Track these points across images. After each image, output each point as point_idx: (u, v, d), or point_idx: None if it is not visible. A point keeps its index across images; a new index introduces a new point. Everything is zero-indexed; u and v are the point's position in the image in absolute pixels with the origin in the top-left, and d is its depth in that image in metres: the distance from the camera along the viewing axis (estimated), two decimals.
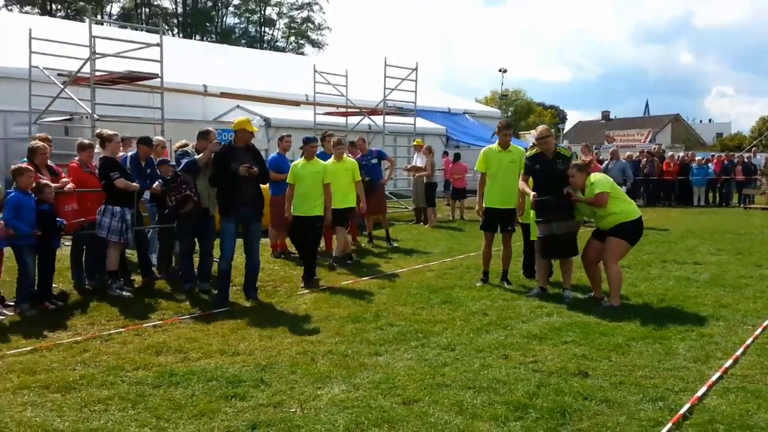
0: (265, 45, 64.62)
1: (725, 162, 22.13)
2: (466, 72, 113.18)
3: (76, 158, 8.17)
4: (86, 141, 8.34)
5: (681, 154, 24.58)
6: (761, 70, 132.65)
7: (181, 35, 58.71)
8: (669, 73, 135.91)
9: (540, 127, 7.75)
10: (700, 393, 4.26)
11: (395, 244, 11.45)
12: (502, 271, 8.09)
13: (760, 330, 5.80)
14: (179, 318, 6.46)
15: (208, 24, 63.77)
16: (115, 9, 60.42)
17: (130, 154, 8.38)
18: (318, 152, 9.44)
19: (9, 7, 50.61)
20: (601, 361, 5.00)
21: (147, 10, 60.49)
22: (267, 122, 21.62)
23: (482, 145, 27.46)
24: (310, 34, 67.72)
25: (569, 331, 5.80)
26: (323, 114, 19.79)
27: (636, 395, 4.27)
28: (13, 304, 6.75)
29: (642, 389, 4.38)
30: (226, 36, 60.68)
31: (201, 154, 7.72)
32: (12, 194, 6.56)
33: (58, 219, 6.99)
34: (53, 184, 7.18)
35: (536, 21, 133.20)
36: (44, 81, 14.63)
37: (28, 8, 52.75)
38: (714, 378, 4.56)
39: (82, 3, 54.82)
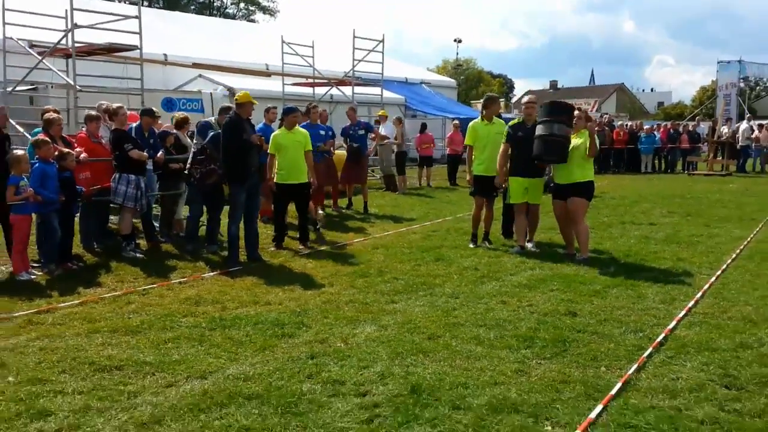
0: (215, 12, 63.43)
1: (671, 131, 23.52)
2: (415, 41, 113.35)
3: (83, 129, 8.55)
4: (93, 113, 8.69)
5: (629, 123, 25.88)
6: (701, 40, 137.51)
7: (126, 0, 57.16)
8: (612, 42, 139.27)
9: (528, 96, 8.56)
10: (671, 326, 5.16)
11: (373, 210, 12.15)
12: (484, 231, 8.89)
13: (714, 278, 6.77)
14: (200, 275, 7.05)
15: None
16: None
17: (134, 125, 8.78)
18: (303, 124, 9.93)
19: None
20: (585, 304, 5.86)
21: None
22: (231, 92, 21.73)
23: (440, 114, 28.27)
24: (261, 1, 66.72)
25: (553, 281, 6.67)
26: (291, 84, 20.14)
27: (619, 329, 5.15)
28: (38, 265, 7.20)
29: (623, 324, 5.26)
30: (174, 3, 59.35)
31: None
32: (36, 165, 6.97)
33: (77, 186, 7.45)
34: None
35: None
36: (18, 51, 14.62)
37: None
38: (680, 315, 5.47)
39: None
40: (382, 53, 19.43)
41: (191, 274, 7.12)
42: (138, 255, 8.01)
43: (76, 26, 12.53)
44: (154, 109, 9.25)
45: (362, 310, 5.67)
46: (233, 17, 61.14)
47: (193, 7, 59.89)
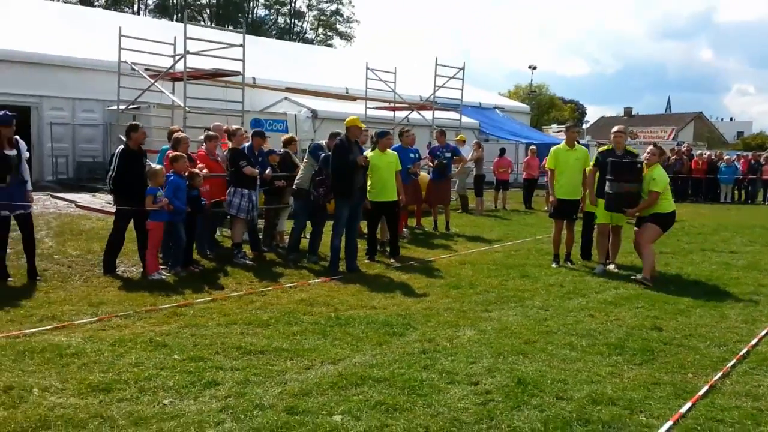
0: (294, 36, 65.90)
1: (752, 161, 23.19)
2: (486, 65, 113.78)
3: (203, 147, 9.51)
4: (212, 132, 9.66)
5: (708, 152, 25.61)
6: None
7: (213, 26, 60.18)
8: (688, 69, 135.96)
9: (617, 126, 9.05)
10: (753, 342, 5.53)
11: (454, 230, 12.72)
12: (566, 252, 9.34)
13: None
14: (307, 282, 7.80)
15: (240, 15, 65.07)
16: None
17: (246, 144, 9.67)
18: (395, 146, 10.67)
19: None
20: (670, 321, 6.27)
21: (182, 1, 61.83)
22: (314, 114, 22.77)
23: (513, 139, 28.68)
24: (338, 26, 68.94)
25: (638, 300, 7.09)
26: (373, 108, 21.02)
27: (703, 343, 5.55)
28: (164, 267, 8.12)
29: (707, 339, 5.66)
30: (257, 27, 62.07)
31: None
32: (172, 177, 7.91)
33: (202, 199, 8.37)
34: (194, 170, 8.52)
35: (554, 14, 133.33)
36: (129, 74, 16.10)
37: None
38: (762, 334, 5.82)
39: None
40: (462, 80, 20.11)
41: (299, 280, 7.87)
42: (248, 262, 8.85)
43: (188, 53, 13.75)
44: (264, 131, 10.17)
45: (461, 317, 6.26)
46: (312, 42, 63.36)
47: (274, 32, 62.43)
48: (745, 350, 5.30)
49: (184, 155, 8.18)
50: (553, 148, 9.60)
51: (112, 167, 8.01)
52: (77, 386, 4.15)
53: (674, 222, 8.38)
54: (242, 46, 13.98)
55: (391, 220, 9.64)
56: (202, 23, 59.46)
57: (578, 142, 9.63)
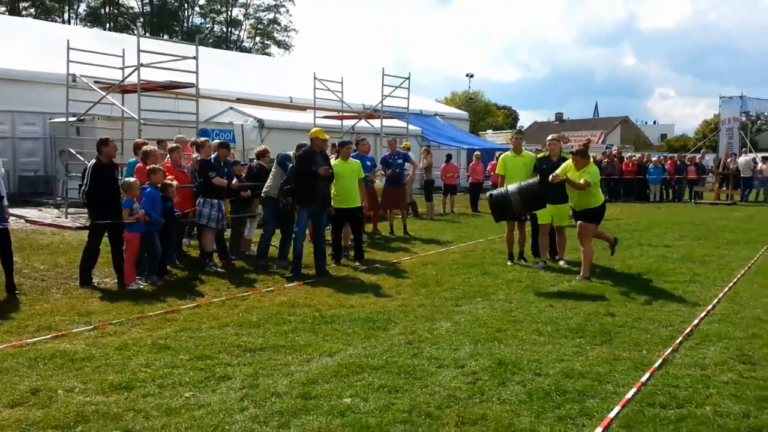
0: (231, 45, 65.43)
1: (678, 162, 24.77)
2: (422, 73, 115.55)
3: (167, 159, 9.72)
4: (174, 144, 9.90)
5: (638, 155, 27.15)
6: (701, 73, 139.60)
7: (148, 34, 59.20)
8: (614, 74, 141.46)
9: (552, 135, 9.81)
10: (695, 322, 6.27)
11: (411, 234, 13.28)
12: (519, 251, 10.01)
13: (727, 288, 7.89)
14: (282, 286, 8.17)
15: (174, 23, 64.23)
16: (81, 8, 60.27)
17: (213, 155, 9.92)
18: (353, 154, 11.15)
19: None
20: (621, 307, 6.95)
21: (114, 9, 60.58)
22: (260, 123, 22.90)
23: (454, 145, 29.54)
24: (276, 35, 68.85)
25: (590, 290, 7.79)
26: (322, 117, 21.40)
27: (652, 325, 6.25)
28: (139, 277, 8.32)
29: (655, 321, 6.36)
30: (192, 36, 61.33)
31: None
32: (149, 189, 8.14)
33: (175, 210, 8.62)
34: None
35: (486, 22, 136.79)
36: (78, 87, 16.02)
37: None
38: (702, 315, 6.57)
39: (50, 2, 54.78)
40: (408, 89, 20.77)
41: (274, 285, 8.23)
42: (219, 269, 9.14)
43: (142, 65, 13.86)
44: (228, 143, 10.46)
45: (435, 311, 6.78)
46: (249, 51, 63.06)
47: (210, 41, 61.83)
48: (689, 329, 6.01)
49: (161, 168, 8.42)
50: (501, 155, 10.30)
51: (84, 181, 8.17)
52: (99, 386, 4.45)
53: (605, 212, 8.90)
54: (195, 58, 14.21)
55: (354, 225, 10.11)
56: (136, 32, 58.46)
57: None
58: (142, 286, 7.97)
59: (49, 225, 13.92)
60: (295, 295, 7.57)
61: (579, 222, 8.77)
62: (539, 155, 9.88)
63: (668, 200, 24.19)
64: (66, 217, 14.85)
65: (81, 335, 5.76)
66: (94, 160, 8.19)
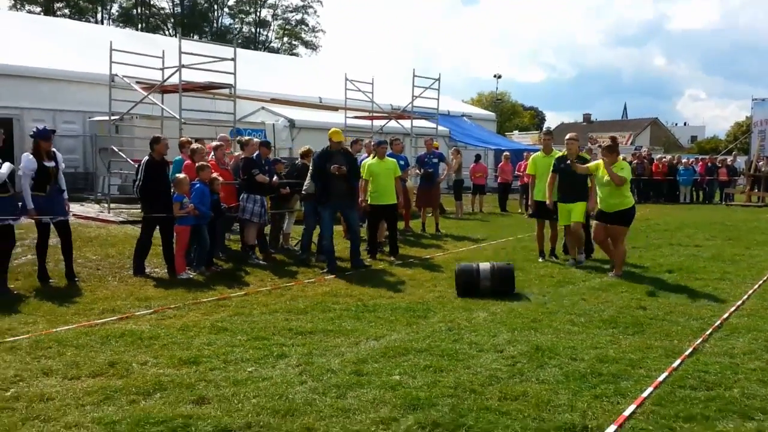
0: (259, 46, 66.31)
1: (709, 164, 24.72)
2: (448, 74, 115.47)
3: (211, 156, 10.15)
4: (217, 142, 10.34)
5: (668, 156, 27.11)
6: (731, 74, 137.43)
7: (178, 35, 60.34)
8: (642, 75, 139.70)
9: (570, 134, 9.98)
10: (725, 315, 6.50)
11: (442, 232, 13.60)
12: (551, 248, 10.25)
13: (757, 286, 8.08)
14: (323, 278, 8.55)
15: (204, 24, 65.28)
16: (114, 8, 61.59)
17: (255, 154, 10.32)
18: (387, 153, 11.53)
19: (17, 7, 51.77)
20: (652, 302, 7.20)
21: (146, 10, 61.79)
22: (291, 123, 23.37)
23: (482, 146, 29.74)
24: (303, 36, 69.58)
25: (620, 286, 8.03)
26: (352, 117, 21.79)
27: (683, 318, 6.49)
28: (188, 268, 8.76)
29: (686, 314, 6.60)
30: (222, 36, 62.34)
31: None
32: (198, 185, 8.58)
33: (222, 204, 9.06)
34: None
35: (511, 23, 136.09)
36: (119, 87, 16.61)
37: (31, 7, 53.97)
38: (732, 310, 6.79)
39: (84, 3, 56.11)
40: (438, 90, 21.06)
41: (315, 277, 8.62)
42: (261, 262, 9.55)
43: (183, 66, 14.36)
44: (269, 141, 10.88)
45: (471, 303, 7.09)
46: (277, 51, 63.84)
47: (239, 42, 62.74)
48: (718, 322, 6.25)
49: (209, 165, 8.86)
50: (532, 156, 10.55)
51: (138, 177, 8.63)
52: (168, 361, 4.86)
53: (635, 214, 8.88)
54: (233, 59, 14.67)
55: (390, 221, 10.47)
56: (168, 33, 59.66)
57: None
58: (191, 276, 8.41)
59: (94, 219, 14.48)
60: (336, 286, 7.94)
61: (611, 226, 8.65)
62: (557, 155, 9.88)
63: (698, 202, 24.16)
64: (108, 212, 15.39)
65: (143, 318, 6.19)
66: (147, 157, 8.64)
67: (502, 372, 4.75)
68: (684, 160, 25.25)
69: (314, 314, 6.44)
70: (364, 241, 10.40)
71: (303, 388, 4.34)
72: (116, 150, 16.24)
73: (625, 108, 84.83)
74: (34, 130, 7.79)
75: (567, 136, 9.94)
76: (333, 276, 8.67)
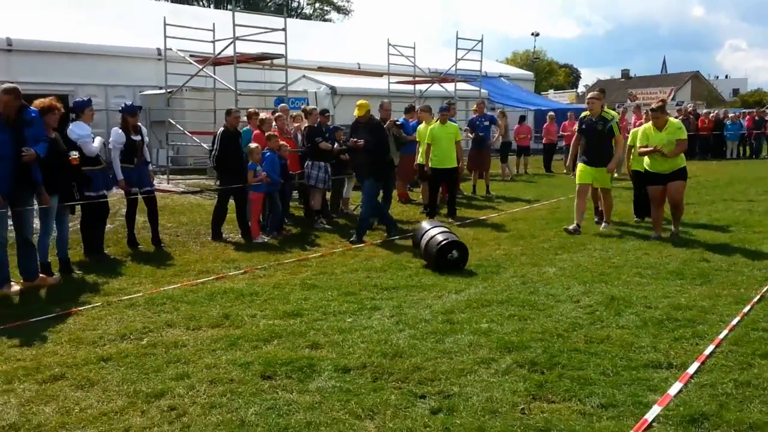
0: (291, 12, 66.20)
1: (756, 118, 24.33)
2: (476, 34, 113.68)
3: (273, 125, 10.56)
4: (279, 113, 10.74)
5: (715, 111, 26.70)
6: None
7: (212, 5, 60.58)
8: (680, 27, 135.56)
9: (591, 93, 9.74)
10: None
11: (493, 194, 13.89)
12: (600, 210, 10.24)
13: None
14: (387, 238, 8.95)
15: None
16: None
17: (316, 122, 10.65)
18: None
19: None
20: (714, 254, 7.44)
21: None
22: (333, 90, 23.58)
23: (521, 106, 29.65)
24: (335, 0, 69.17)
25: (680, 241, 8.27)
26: (395, 82, 21.97)
27: (747, 268, 6.74)
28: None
29: (749, 265, 6.85)
30: (254, 5, 62.40)
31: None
32: (268, 154, 9.02)
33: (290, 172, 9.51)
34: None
35: None
36: (175, 60, 17.08)
37: None
38: None
39: None
40: (481, 52, 21.10)
41: (382, 238, 9.02)
42: (326, 226, 10.01)
43: (237, 39, 14.75)
44: (328, 110, 11.24)
45: (538, 259, 7.44)
46: (309, 17, 63.70)
47: (272, 9, 62.75)
48: None
49: (276, 135, 9.29)
50: (581, 116, 10.52)
51: (214, 147, 9.09)
52: (274, 313, 5.34)
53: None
54: (284, 30, 14.99)
55: (450, 184, 10.81)
56: (202, 3, 60.02)
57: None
58: (266, 240, 8.91)
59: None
60: (404, 247, 8.34)
61: (671, 184, 8.37)
62: (582, 115, 9.37)
63: (746, 157, 23.88)
64: (168, 183, 16.01)
65: (237, 277, 6.70)
66: (221, 128, 9.09)
67: (582, 320, 5.12)
68: (731, 115, 24.87)
69: (392, 272, 6.86)
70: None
71: (403, 335, 4.77)
72: (173, 123, 16.82)
73: (664, 62, 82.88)
74: (123, 105, 8.28)
75: (588, 95, 9.71)
76: (398, 237, 9.06)
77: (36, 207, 6.53)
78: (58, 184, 6.66)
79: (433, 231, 7.28)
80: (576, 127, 9.61)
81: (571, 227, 9.06)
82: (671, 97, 52.13)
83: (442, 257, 6.93)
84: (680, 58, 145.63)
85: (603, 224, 9.26)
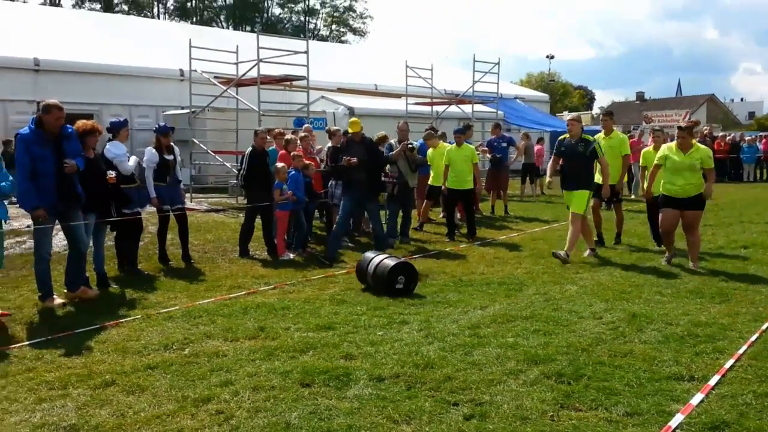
0: (309, 34, 67.25)
1: None
2: (492, 56, 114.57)
3: (299, 146, 10.86)
4: (303, 133, 11.04)
5: (732, 134, 26.81)
6: None
7: (231, 27, 61.71)
8: (695, 50, 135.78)
9: (571, 115, 9.62)
10: None
11: (511, 214, 14.08)
12: (616, 232, 10.14)
13: None
14: (411, 257, 9.16)
15: (256, 15, 66.50)
16: (170, 2, 63.36)
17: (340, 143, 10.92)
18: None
19: (78, 5, 53.85)
20: (734, 273, 7.59)
21: (200, 3, 63.33)
22: (351, 111, 23.94)
23: (537, 128, 29.87)
24: (351, 22, 70.27)
25: (700, 261, 8.41)
26: (413, 104, 22.29)
27: (765, 287, 6.90)
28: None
29: None
30: (272, 27, 63.52)
31: (394, 152, 10.23)
32: (293, 173, 9.30)
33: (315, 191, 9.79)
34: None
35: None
36: (199, 82, 17.52)
37: (92, 5, 56.10)
38: None
39: None
40: (498, 74, 21.41)
41: (404, 256, 9.21)
42: (349, 244, 10.24)
43: (261, 61, 15.15)
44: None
45: (559, 277, 7.62)
46: (326, 39, 64.66)
47: (289, 31, 63.79)
48: None
49: (301, 154, 9.57)
50: (594, 137, 10.57)
51: (242, 166, 9.39)
52: (307, 326, 5.56)
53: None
54: (306, 52, 15.38)
55: (466, 205, 11.04)
56: (220, 25, 61.20)
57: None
58: (292, 257, 9.15)
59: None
60: (426, 265, 8.53)
61: (688, 212, 7.99)
62: (561, 137, 9.09)
63: (763, 180, 23.92)
64: (191, 201, 16.35)
65: (267, 293, 6.94)
66: (250, 148, 9.39)
67: (605, 335, 5.29)
68: (747, 138, 24.96)
69: (417, 288, 7.06)
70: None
71: (432, 347, 4.97)
72: (196, 142, 17.22)
73: (679, 85, 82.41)
74: (156, 126, 8.62)
75: (568, 117, 9.55)
76: (420, 256, 9.27)
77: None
78: (97, 202, 6.95)
79: (379, 258, 7.04)
80: (555, 150, 9.15)
81: (586, 254, 8.92)
82: (687, 119, 52.18)
83: (391, 283, 6.67)
84: (695, 80, 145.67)
85: (587, 251, 8.97)
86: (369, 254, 7.34)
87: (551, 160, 9.23)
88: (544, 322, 5.68)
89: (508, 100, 33.51)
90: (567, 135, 8.91)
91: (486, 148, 14.50)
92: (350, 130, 9.30)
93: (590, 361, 4.63)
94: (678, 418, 3.68)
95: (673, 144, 8.18)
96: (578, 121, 8.94)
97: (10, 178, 6.19)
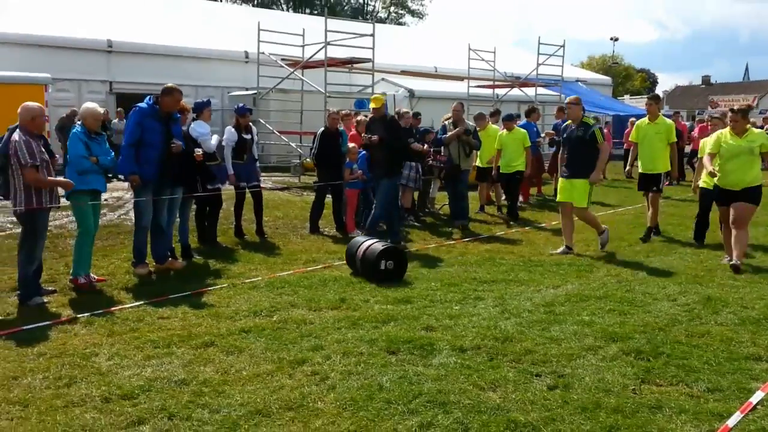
0: (367, 16, 67.26)
1: None
2: (551, 38, 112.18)
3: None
4: (362, 117, 11.23)
5: None
6: None
7: (291, 9, 62.28)
8: (763, 32, 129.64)
9: (569, 98, 8.70)
10: None
11: None
12: (655, 225, 9.39)
13: None
14: (476, 237, 9.30)
15: None
16: None
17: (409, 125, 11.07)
18: (522, 123, 12.28)
19: None
20: None
21: None
22: (411, 93, 23.96)
23: (599, 111, 29.25)
24: (410, 4, 69.89)
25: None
26: (475, 87, 22.24)
27: None
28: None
29: None
30: (331, 9, 63.77)
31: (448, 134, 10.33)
32: (362, 153, 9.52)
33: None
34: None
35: None
36: (266, 63, 17.91)
37: None
38: None
39: None
40: (563, 57, 21.14)
41: (470, 236, 9.38)
42: (415, 223, 10.44)
43: (328, 44, 15.41)
44: (420, 113, 11.70)
45: (630, 260, 7.64)
46: (384, 21, 64.57)
47: (348, 13, 63.95)
48: None
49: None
50: (636, 122, 9.99)
51: (314, 145, 9.67)
52: (384, 299, 5.80)
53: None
54: (372, 35, 15.56)
55: (513, 187, 11.28)
56: (281, 8, 61.87)
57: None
58: (360, 234, 9.39)
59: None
60: (492, 247, 8.65)
61: (740, 205, 7.19)
62: (565, 123, 8.62)
63: None
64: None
65: (342, 267, 7.20)
66: (322, 128, 9.66)
67: (681, 316, 5.35)
68: None
69: (487, 267, 7.23)
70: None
71: (510, 322, 5.14)
72: (263, 122, 17.66)
73: (747, 69, 79.46)
74: (236, 106, 8.97)
75: (567, 100, 8.86)
76: (485, 236, 9.39)
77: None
78: (186, 178, 7.32)
79: (368, 242, 6.91)
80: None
81: (559, 250, 8.16)
82: (755, 104, 50.23)
83: (377, 267, 6.52)
84: (764, 64, 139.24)
85: (561, 248, 8.22)
86: (358, 239, 7.21)
87: (561, 149, 8.57)
88: (618, 302, 5.76)
89: (570, 83, 32.95)
90: (569, 120, 8.40)
91: (551, 132, 14.45)
92: (371, 106, 9.04)
93: (668, 340, 4.72)
94: (758, 395, 3.76)
95: (726, 130, 7.44)
96: (577, 104, 8.23)
97: (112, 153, 6.59)
